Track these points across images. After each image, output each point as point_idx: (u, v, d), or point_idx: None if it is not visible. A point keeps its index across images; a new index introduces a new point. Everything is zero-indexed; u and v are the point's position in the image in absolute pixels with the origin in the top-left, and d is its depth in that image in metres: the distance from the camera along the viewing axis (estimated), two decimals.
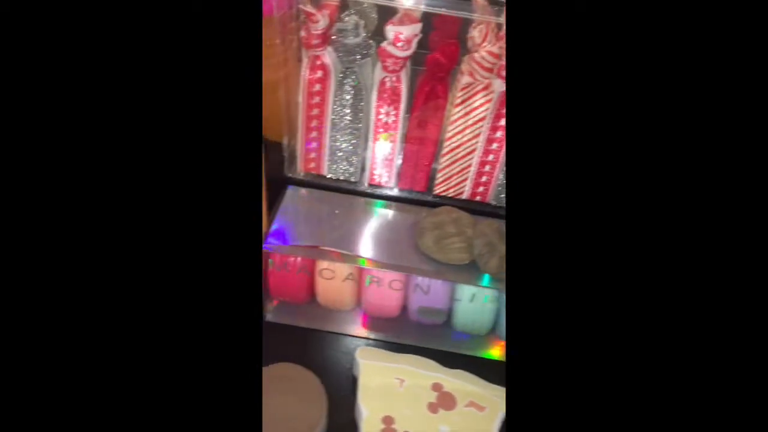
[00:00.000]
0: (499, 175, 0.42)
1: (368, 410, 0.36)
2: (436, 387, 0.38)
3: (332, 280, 0.40)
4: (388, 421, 0.36)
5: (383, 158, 0.42)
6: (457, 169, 0.42)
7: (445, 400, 0.38)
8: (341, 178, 0.43)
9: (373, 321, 0.43)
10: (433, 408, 0.37)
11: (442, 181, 0.43)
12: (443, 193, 0.44)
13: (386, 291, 0.41)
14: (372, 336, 0.43)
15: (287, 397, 0.35)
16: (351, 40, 0.35)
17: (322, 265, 0.40)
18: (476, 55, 0.36)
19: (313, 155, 0.43)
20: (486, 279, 0.39)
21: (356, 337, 0.42)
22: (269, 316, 0.43)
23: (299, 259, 0.40)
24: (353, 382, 0.38)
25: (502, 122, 0.39)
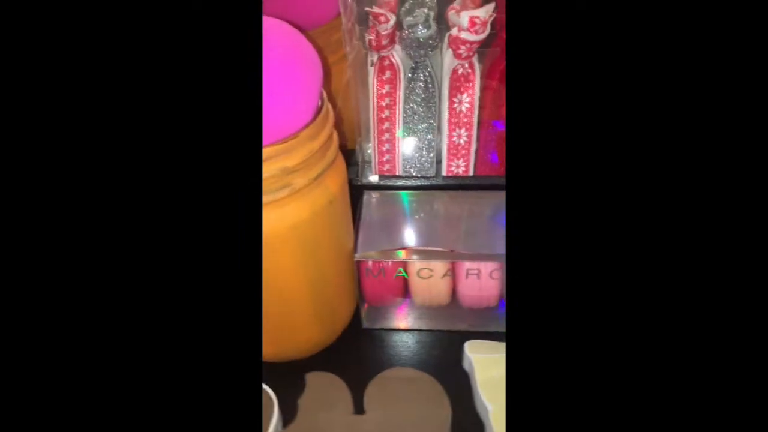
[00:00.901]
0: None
1: (492, 404, 0.36)
2: None
3: (430, 279, 0.40)
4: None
5: (460, 148, 0.41)
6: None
7: None
8: (418, 175, 0.43)
9: (474, 313, 0.43)
10: None
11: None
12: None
13: (486, 281, 0.40)
14: (475, 329, 0.43)
15: (411, 402, 0.35)
16: (423, 33, 0.34)
17: (419, 265, 0.39)
18: None
19: (387, 157, 0.42)
20: None
21: (456, 332, 0.42)
22: (365, 324, 0.43)
23: (390, 263, 0.39)
24: (466, 377, 0.38)
25: None
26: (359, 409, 0.35)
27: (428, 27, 0.34)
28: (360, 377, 0.36)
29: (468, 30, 0.33)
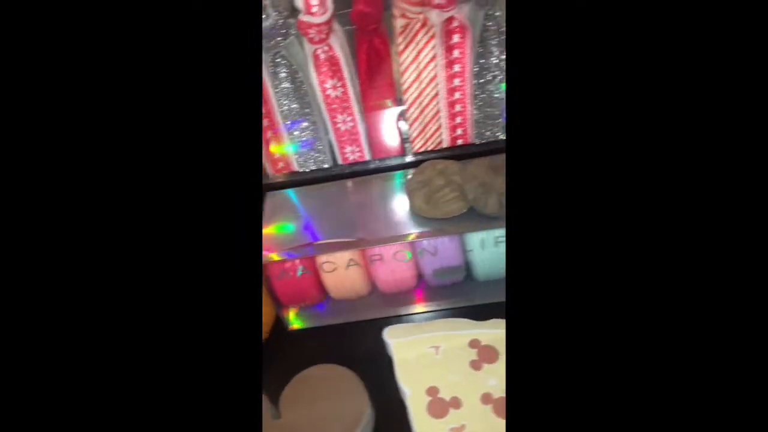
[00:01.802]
0: (473, 111, 0.39)
1: (410, 388, 0.35)
2: (474, 343, 0.37)
3: (335, 272, 0.39)
4: (433, 392, 0.35)
5: (348, 134, 0.40)
6: (428, 119, 0.40)
7: (486, 354, 0.36)
8: (314, 167, 0.42)
9: (396, 297, 0.42)
10: (476, 365, 0.36)
11: (417, 136, 0.41)
12: (423, 149, 0.41)
13: (394, 265, 0.39)
14: (402, 312, 0.42)
15: (325, 400, 0.34)
16: (265, 23, 0.33)
17: (321, 259, 0.38)
18: None
19: (278, 155, 0.41)
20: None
21: (385, 318, 0.41)
22: (292, 326, 0.42)
23: (296, 262, 0.38)
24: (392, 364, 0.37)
25: (456, 54, 0.36)
26: (275, 414, 0.34)
27: (266, 15, 0.33)
28: (280, 381, 0.36)
29: (307, 13, 0.32)
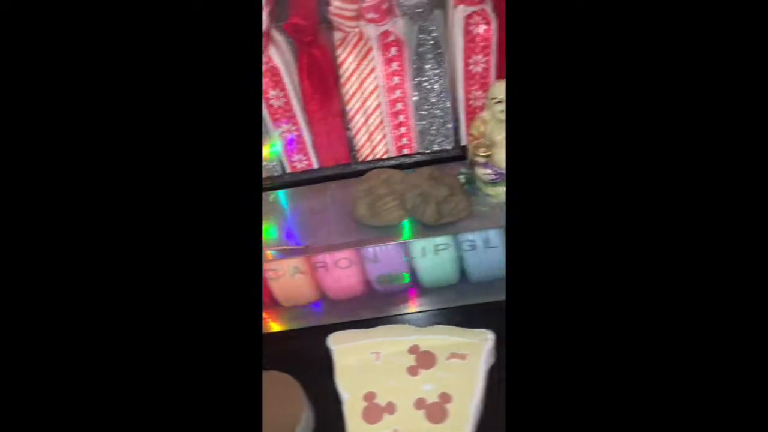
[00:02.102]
0: (418, 121, 0.40)
1: (348, 393, 0.36)
2: (414, 349, 0.37)
3: (281, 279, 0.40)
4: (369, 397, 0.35)
5: (295, 144, 0.41)
6: (372, 128, 0.40)
7: (424, 360, 0.37)
8: (265, 176, 0.42)
9: (343, 303, 0.42)
10: (413, 371, 0.36)
11: (362, 146, 0.41)
12: (369, 157, 0.42)
13: (338, 272, 0.40)
14: (348, 319, 0.42)
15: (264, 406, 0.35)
16: None
17: (266, 266, 0.39)
18: (331, 7, 0.33)
19: None
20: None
21: (332, 326, 0.42)
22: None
23: None
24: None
25: (395, 66, 0.37)
26: None
27: None
28: None
29: None
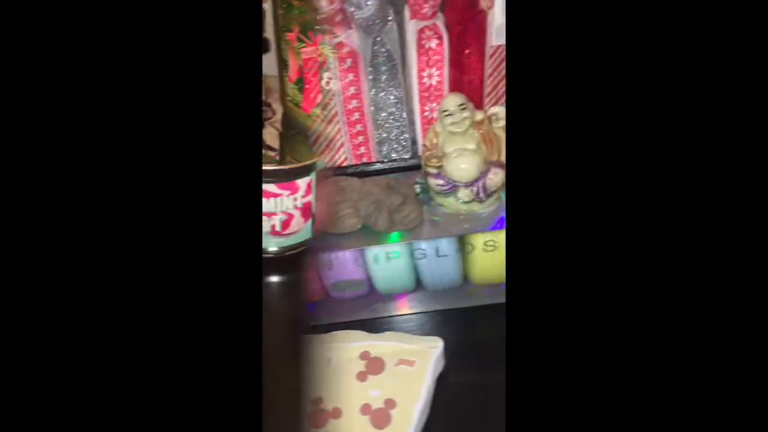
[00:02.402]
0: (375, 131, 0.41)
1: None
2: (364, 355, 0.38)
3: None
4: (316, 402, 0.36)
5: None
6: (332, 135, 0.41)
7: (373, 366, 0.37)
8: None
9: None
10: (361, 376, 0.37)
11: (324, 151, 0.42)
12: (330, 163, 0.43)
13: None
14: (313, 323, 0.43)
15: None
16: None
17: None
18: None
19: None
20: (395, 236, 0.39)
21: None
22: None
23: None
24: None
25: (351, 77, 0.38)
26: None
27: None
28: None
29: None
